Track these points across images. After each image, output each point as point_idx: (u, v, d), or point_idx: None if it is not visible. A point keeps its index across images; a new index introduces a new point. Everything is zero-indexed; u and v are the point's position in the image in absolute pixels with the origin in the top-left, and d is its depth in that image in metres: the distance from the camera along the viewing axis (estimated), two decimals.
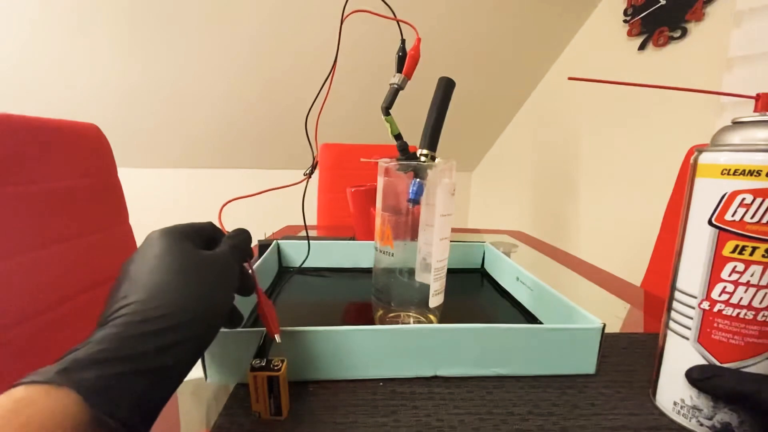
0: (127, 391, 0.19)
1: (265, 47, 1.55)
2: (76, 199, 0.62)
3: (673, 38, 1.23)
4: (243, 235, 0.31)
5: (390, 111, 0.37)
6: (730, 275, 0.25)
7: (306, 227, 0.52)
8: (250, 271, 0.32)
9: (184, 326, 0.22)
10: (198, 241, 0.27)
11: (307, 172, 0.40)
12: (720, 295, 0.26)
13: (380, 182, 0.39)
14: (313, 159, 0.41)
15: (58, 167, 0.60)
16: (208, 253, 0.26)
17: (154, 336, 0.21)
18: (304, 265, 0.60)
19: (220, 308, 0.26)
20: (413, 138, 0.37)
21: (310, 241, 0.59)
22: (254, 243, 0.71)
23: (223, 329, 0.31)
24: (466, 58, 1.69)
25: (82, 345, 0.20)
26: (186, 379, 0.23)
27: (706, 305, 0.27)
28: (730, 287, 0.25)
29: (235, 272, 0.28)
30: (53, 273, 0.57)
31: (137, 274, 0.23)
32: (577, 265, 0.73)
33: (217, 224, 0.31)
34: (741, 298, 0.25)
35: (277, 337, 0.30)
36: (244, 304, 0.39)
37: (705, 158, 0.27)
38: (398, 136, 0.38)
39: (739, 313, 0.25)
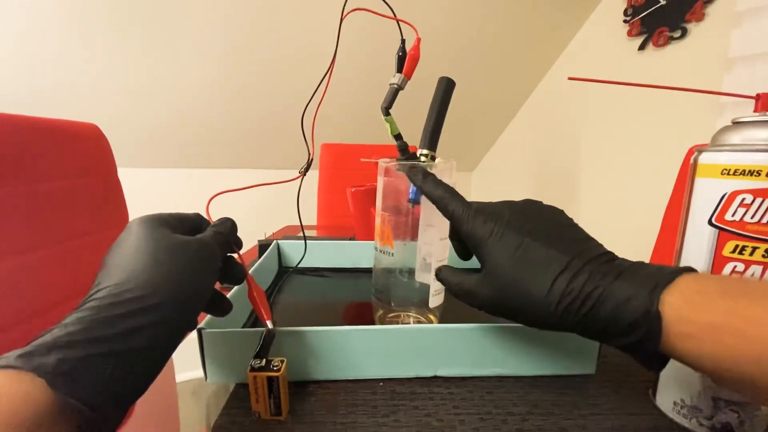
0: (94, 374, 0.19)
1: (266, 47, 1.55)
2: (76, 199, 0.62)
3: (673, 38, 1.23)
4: (227, 222, 0.31)
5: (390, 111, 0.37)
6: (730, 275, 0.25)
7: (302, 226, 0.52)
8: (238, 258, 0.32)
9: (155, 308, 0.22)
10: (179, 228, 0.27)
11: (302, 169, 0.40)
12: None
13: (380, 182, 0.39)
14: (309, 156, 0.41)
15: (58, 167, 0.60)
16: (186, 238, 0.26)
17: (123, 318, 0.21)
18: (304, 265, 0.60)
19: (195, 290, 0.25)
20: (413, 138, 0.37)
21: (311, 242, 0.59)
22: (254, 243, 0.72)
23: (218, 329, 0.31)
24: (466, 58, 1.69)
25: (49, 329, 0.19)
26: (186, 379, 0.23)
27: None
28: None
29: (216, 256, 0.28)
30: (53, 273, 0.57)
31: (112, 260, 0.23)
32: None
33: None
34: None
35: (269, 323, 0.30)
36: (243, 306, 0.38)
37: (705, 158, 0.27)
38: (398, 136, 0.38)
39: None
